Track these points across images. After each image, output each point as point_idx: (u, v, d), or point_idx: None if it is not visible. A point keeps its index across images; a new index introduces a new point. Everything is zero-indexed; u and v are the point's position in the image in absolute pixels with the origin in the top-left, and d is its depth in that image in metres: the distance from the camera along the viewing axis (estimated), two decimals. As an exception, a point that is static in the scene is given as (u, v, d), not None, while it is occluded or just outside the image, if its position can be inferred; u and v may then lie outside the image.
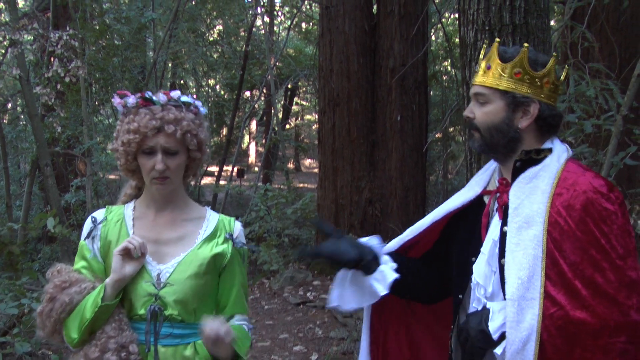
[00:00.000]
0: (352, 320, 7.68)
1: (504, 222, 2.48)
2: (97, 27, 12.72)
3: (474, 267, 2.57)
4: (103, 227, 2.70)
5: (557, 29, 7.41)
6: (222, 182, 19.40)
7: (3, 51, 14.03)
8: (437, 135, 15.00)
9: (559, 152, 2.49)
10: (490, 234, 2.55)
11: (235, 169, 20.01)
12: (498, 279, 2.46)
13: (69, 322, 2.56)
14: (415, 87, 10.52)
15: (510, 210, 2.45)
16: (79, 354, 2.55)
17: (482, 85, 2.54)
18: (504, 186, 2.56)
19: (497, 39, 2.65)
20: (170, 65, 20.74)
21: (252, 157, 35.42)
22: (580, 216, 2.30)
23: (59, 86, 11.36)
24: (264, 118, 26.01)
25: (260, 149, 32.86)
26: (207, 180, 23.63)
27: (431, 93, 15.90)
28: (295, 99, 29.03)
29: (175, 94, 2.66)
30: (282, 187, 15.77)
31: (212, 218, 2.81)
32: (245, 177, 22.53)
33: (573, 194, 2.33)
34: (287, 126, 27.90)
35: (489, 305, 2.43)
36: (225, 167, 21.60)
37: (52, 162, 11.84)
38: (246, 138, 33.81)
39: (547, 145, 2.52)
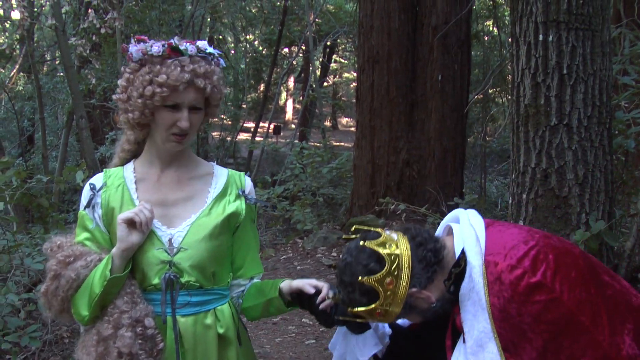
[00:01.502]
0: (386, 284, 7.54)
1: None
2: (135, -22, 12.60)
3: None
4: (103, 194, 2.46)
5: (610, -13, 7.09)
6: (258, 139, 19.34)
7: (41, 1, 13.97)
8: (477, 97, 14.70)
9: (471, 250, 2.21)
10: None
11: (272, 126, 19.94)
12: None
13: (77, 299, 2.36)
14: (457, 46, 10.23)
15: (465, 334, 2.21)
16: (91, 332, 2.35)
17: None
18: (457, 307, 2.29)
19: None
20: (208, 19, 20.59)
21: (289, 114, 35.37)
22: (522, 322, 2.07)
23: (95, 38, 11.27)
24: (302, 75, 25.83)
25: (298, 106, 32.79)
26: (243, 136, 23.62)
27: (472, 53, 15.57)
28: (334, 56, 28.79)
29: (202, 44, 2.42)
30: (318, 145, 15.64)
31: (220, 174, 2.59)
32: (281, 134, 22.49)
33: (505, 300, 2.08)
34: (325, 84, 27.65)
35: None
36: (261, 124, 21.52)
37: (87, 115, 11.81)
38: (283, 95, 33.75)
39: (457, 250, 2.25)
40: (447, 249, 2.28)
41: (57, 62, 17.36)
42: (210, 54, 2.42)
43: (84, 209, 2.46)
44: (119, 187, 2.47)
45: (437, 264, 2.23)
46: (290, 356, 6.22)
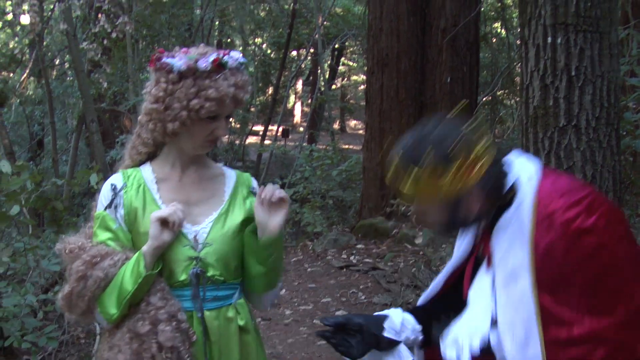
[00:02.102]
0: (397, 285, 7.57)
1: (494, 278, 2.26)
2: (145, -17, 12.67)
3: (464, 320, 2.36)
4: (125, 194, 2.52)
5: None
6: (267, 142, 19.38)
7: (51, 6, 14.05)
8: (486, 99, 14.72)
9: (526, 186, 2.20)
10: (480, 287, 2.33)
11: (281, 129, 19.96)
12: (488, 335, 2.25)
13: (104, 298, 2.40)
14: (466, 48, 10.28)
15: (495, 263, 2.23)
16: (122, 331, 2.39)
17: (409, 204, 2.36)
18: (486, 234, 2.31)
19: (394, 163, 2.32)
20: (217, 23, 20.67)
21: (297, 117, 35.38)
22: (564, 260, 2.06)
23: (105, 42, 11.35)
24: (311, 78, 25.87)
25: (306, 108, 32.79)
26: (251, 139, 23.66)
27: (481, 55, 15.58)
28: (342, 59, 28.82)
29: (236, 54, 2.48)
30: (327, 147, 15.68)
31: (230, 175, 2.69)
32: (290, 137, 22.47)
33: (552, 239, 2.07)
34: (334, 86, 27.70)
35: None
36: (270, 127, 21.56)
37: (98, 118, 11.87)
38: (292, 98, 33.77)
39: (509, 182, 2.25)
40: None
41: (67, 67, 17.46)
42: (243, 63, 2.50)
43: (105, 209, 2.50)
44: (140, 187, 2.53)
45: (500, 183, 2.25)
46: (302, 357, 6.27)
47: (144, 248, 2.38)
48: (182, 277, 2.45)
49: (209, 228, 2.50)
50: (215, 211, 2.55)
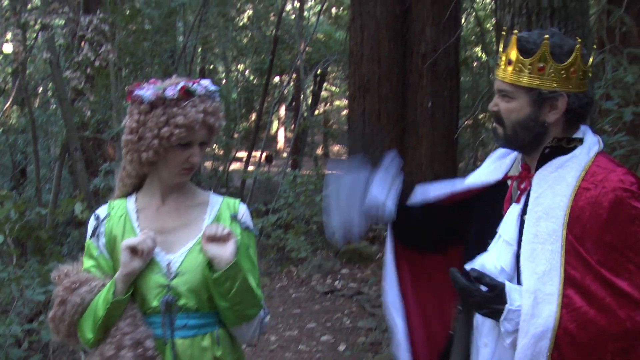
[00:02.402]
0: (381, 310, 7.58)
1: (524, 211, 2.37)
2: (128, 12, 12.71)
3: (493, 249, 2.45)
4: (107, 223, 2.61)
5: (593, 13, 7.22)
6: (250, 168, 19.38)
7: (34, 35, 14.08)
8: (467, 122, 14.82)
9: (590, 144, 2.38)
10: (509, 220, 2.43)
11: (264, 155, 19.96)
12: (514, 267, 2.35)
13: (82, 323, 2.49)
14: (446, 73, 10.38)
15: (531, 199, 2.34)
16: (95, 354, 2.47)
17: (504, 82, 2.41)
18: (527, 172, 2.46)
19: (516, 31, 2.50)
20: (200, 49, 20.75)
21: (280, 143, 35.39)
22: (607, 215, 2.18)
23: (88, 70, 11.36)
24: (293, 103, 25.94)
25: (289, 134, 32.85)
26: (235, 165, 23.65)
27: (462, 79, 15.71)
28: (325, 84, 28.93)
29: (206, 82, 2.57)
30: (310, 173, 15.70)
31: (215, 201, 2.72)
32: (273, 162, 22.48)
33: (602, 191, 2.21)
34: (316, 112, 27.76)
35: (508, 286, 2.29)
36: (253, 153, 21.56)
37: (81, 147, 11.86)
38: (275, 123, 33.80)
39: (578, 135, 2.41)
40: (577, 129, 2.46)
41: (50, 95, 17.44)
42: (213, 91, 2.57)
43: (90, 238, 2.61)
44: (122, 217, 2.61)
45: (580, 115, 2.42)
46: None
47: (116, 275, 2.45)
48: (154, 304, 2.50)
49: (182, 257, 2.54)
50: (191, 240, 2.58)
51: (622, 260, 2.17)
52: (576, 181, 2.26)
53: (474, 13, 15.30)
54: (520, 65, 2.34)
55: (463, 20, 15.16)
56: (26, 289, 5.68)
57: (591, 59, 2.41)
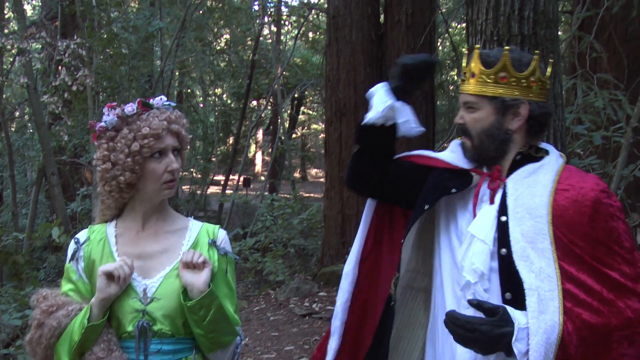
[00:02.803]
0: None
1: (502, 212, 2.43)
2: (105, 36, 12.75)
3: (470, 252, 2.48)
4: (86, 247, 2.63)
5: (564, 39, 7.37)
6: (228, 192, 19.39)
7: (11, 59, 14.06)
8: (444, 145, 14.95)
9: (556, 155, 2.53)
10: (482, 220, 2.49)
11: (242, 178, 20.01)
12: (497, 269, 2.40)
13: (58, 347, 2.49)
14: (422, 97, 10.47)
15: (509, 201, 2.42)
16: None
17: (469, 94, 2.53)
18: (499, 173, 2.53)
19: (477, 46, 2.63)
20: (177, 74, 20.78)
21: (258, 166, 35.45)
22: (591, 212, 2.30)
23: (66, 95, 11.37)
24: (271, 127, 26.00)
25: (267, 158, 32.90)
26: (213, 189, 23.65)
27: (437, 103, 15.85)
28: (302, 108, 29.04)
29: (162, 97, 2.65)
30: (288, 196, 15.75)
31: (194, 227, 2.74)
32: (251, 186, 22.54)
33: (581, 191, 2.34)
34: (294, 135, 27.90)
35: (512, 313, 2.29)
36: (231, 177, 21.59)
37: (58, 171, 11.86)
38: (253, 147, 33.85)
39: (544, 146, 2.55)
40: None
41: (27, 119, 17.39)
42: (170, 105, 2.65)
43: (69, 262, 2.63)
44: (101, 241, 2.64)
45: (541, 124, 2.54)
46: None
47: (92, 300, 2.47)
48: (129, 328, 2.51)
49: (158, 283, 2.56)
50: (168, 266, 2.60)
51: (610, 253, 2.29)
52: (552, 183, 2.39)
53: (449, 38, 15.48)
54: (484, 76, 2.47)
55: (439, 45, 15.34)
56: (3, 313, 5.67)
57: (548, 71, 2.53)
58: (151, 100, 2.60)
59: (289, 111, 24.15)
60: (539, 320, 2.20)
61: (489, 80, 2.46)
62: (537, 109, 2.46)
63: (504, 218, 2.41)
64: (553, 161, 2.47)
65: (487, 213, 2.49)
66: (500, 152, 2.51)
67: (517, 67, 2.44)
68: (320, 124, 32.85)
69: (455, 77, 18.90)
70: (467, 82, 2.54)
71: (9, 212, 14.25)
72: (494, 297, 2.38)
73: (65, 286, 2.62)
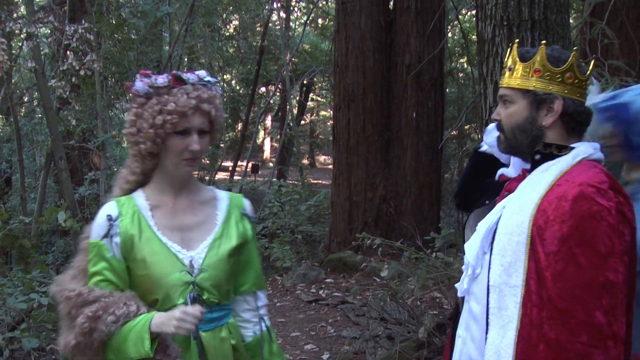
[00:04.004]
0: (365, 319, 7.61)
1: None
2: (113, 21, 12.73)
3: (466, 244, 2.60)
4: (121, 223, 2.58)
5: (576, 26, 7.31)
6: (236, 177, 19.41)
7: (20, 44, 14.06)
8: (452, 133, 14.89)
9: (578, 151, 2.43)
10: (489, 216, 2.54)
11: (250, 164, 20.02)
12: (488, 261, 2.44)
13: (107, 348, 2.50)
14: (431, 84, 10.44)
15: (511, 197, 2.46)
16: None
17: (505, 87, 2.53)
18: (523, 176, 2.56)
19: (517, 40, 2.61)
20: (185, 59, 20.75)
21: (266, 153, 35.45)
22: (569, 207, 2.23)
23: (74, 79, 11.36)
24: (279, 113, 25.98)
25: (275, 144, 32.89)
26: (221, 175, 23.66)
27: (447, 90, 15.78)
28: (311, 94, 29.00)
29: (202, 72, 2.61)
30: (296, 183, 15.73)
31: (222, 197, 2.80)
32: (259, 172, 22.53)
33: (570, 186, 2.28)
34: (302, 122, 27.84)
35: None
36: (239, 162, 21.61)
37: (66, 156, 11.85)
38: (261, 133, 33.86)
39: (576, 144, 2.47)
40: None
41: (35, 104, 17.41)
42: (208, 81, 2.61)
43: (101, 239, 2.56)
44: (135, 215, 2.60)
45: (577, 123, 2.49)
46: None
47: (153, 323, 2.40)
48: (179, 301, 2.53)
49: (204, 254, 2.60)
50: (209, 236, 2.64)
51: (575, 252, 2.21)
52: (553, 179, 2.35)
53: (458, 25, 15.39)
54: (519, 69, 2.47)
55: (448, 32, 15.27)
56: (9, 297, 5.67)
57: (589, 71, 2.49)
58: (188, 74, 2.57)
59: (297, 97, 24.12)
60: (497, 315, 2.29)
61: (523, 74, 2.46)
62: (571, 106, 2.42)
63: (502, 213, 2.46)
64: (568, 158, 2.41)
65: (496, 209, 2.53)
66: (532, 149, 2.50)
67: (554, 63, 2.42)
68: (328, 110, 32.82)
69: (465, 65, 18.81)
70: (506, 76, 2.54)
71: (17, 197, 14.29)
72: (481, 287, 2.46)
73: (98, 264, 2.56)
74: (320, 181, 22.64)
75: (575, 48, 2.49)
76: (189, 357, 2.55)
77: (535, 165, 2.49)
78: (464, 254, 2.65)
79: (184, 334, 2.40)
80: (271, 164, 27.04)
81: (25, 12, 12.37)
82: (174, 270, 2.54)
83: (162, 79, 2.52)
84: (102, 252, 2.55)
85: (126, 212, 2.60)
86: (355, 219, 10.52)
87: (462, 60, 19.23)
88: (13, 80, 14.72)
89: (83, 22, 11.05)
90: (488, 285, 2.39)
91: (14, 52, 13.13)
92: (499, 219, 2.45)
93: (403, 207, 10.45)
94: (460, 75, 18.45)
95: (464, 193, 3.15)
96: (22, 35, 12.00)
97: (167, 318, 2.38)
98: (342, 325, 7.86)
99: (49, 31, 11.84)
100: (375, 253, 8.51)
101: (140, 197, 2.66)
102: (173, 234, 2.59)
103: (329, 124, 33.54)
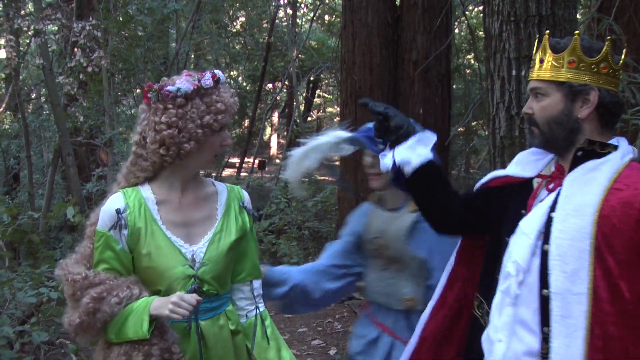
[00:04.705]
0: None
1: (552, 209, 2.39)
2: (120, 18, 12.73)
3: (512, 244, 2.50)
4: (129, 215, 2.66)
5: (583, 21, 7.28)
6: (243, 174, 19.40)
7: (27, 41, 14.10)
8: (459, 130, 14.87)
9: (624, 151, 2.41)
10: (533, 217, 2.46)
11: (257, 161, 20.00)
12: (538, 265, 2.37)
13: (108, 328, 2.59)
14: (438, 80, 10.41)
15: (561, 198, 2.37)
16: (119, 349, 2.55)
17: (537, 80, 2.49)
18: (560, 172, 2.50)
19: (547, 31, 2.58)
20: (192, 56, 20.76)
21: (273, 149, 35.40)
22: (638, 216, 2.20)
23: (81, 76, 11.38)
24: (286, 110, 25.97)
25: (282, 141, 32.86)
26: (228, 171, 23.66)
27: (454, 86, 15.75)
28: (317, 91, 28.96)
29: (219, 72, 2.68)
30: (302, 179, 15.72)
31: (221, 190, 2.88)
32: (266, 169, 22.50)
33: (634, 192, 2.23)
34: (309, 118, 27.80)
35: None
36: (246, 159, 21.59)
37: (74, 152, 11.88)
38: (268, 130, 33.81)
39: (613, 141, 2.45)
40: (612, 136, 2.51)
41: (43, 100, 17.43)
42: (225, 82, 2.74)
43: (110, 230, 2.63)
44: (141, 208, 2.68)
45: (612, 114, 2.46)
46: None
47: (152, 306, 2.51)
48: (181, 292, 2.58)
49: (205, 248, 2.68)
50: (210, 230, 2.73)
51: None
52: (608, 181, 2.30)
53: (465, 21, 15.36)
54: (552, 61, 2.43)
55: (455, 28, 15.24)
56: (18, 291, 5.71)
57: (621, 60, 2.47)
58: (218, 74, 2.66)
59: (304, 94, 24.08)
60: (561, 324, 2.20)
61: (557, 65, 2.41)
62: (607, 97, 2.39)
63: (552, 214, 2.37)
64: (617, 158, 2.37)
65: (539, 209, 2.46)
66: (570, 142, 2.45)
67: (587, 53, 2.38)
68: (335, 107, 32.77)
69: (472, 61, 18.78)
70: (536, 69, 2.50)
71: (25, 193, 14.32)
72: (532, 292, 2.37)
73: (105, 253, 2.64)
74: (327, 177, 22.61)
75: (608, 38, 2.46)
76: (188, 344, 2.64)
77: (576, 161, 2.43)
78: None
79: (178, 319, 2.47)
80: (278, 161, 27.03)
81: (33, 9, 12.39)
82: (177, 264, 2.63)
83: (208, 80, 2.60)
84: (110, 243, 2.64)
85: (133, 205, 2.67)
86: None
87: (469, 56, 19.17)
88: (21, 77, 14.73)
89: (90, 19, 11.04)
90: (540, 291, 2.34)
91: (21, 49, 13.16)
92: (546, 220, 2.39)
93: (410, 203, 10.44)
94: (467, 71, 18.40)
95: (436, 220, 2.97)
96: (29, 32, 12.01)
97: (164, 302, 2.47)
98: (349, 320, 7.89)
99: (57, 28, 11.87)
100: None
101: (146, 190, 2.73)
102: (178, 229, 2.67)
103: (335, 120, 33.51)
